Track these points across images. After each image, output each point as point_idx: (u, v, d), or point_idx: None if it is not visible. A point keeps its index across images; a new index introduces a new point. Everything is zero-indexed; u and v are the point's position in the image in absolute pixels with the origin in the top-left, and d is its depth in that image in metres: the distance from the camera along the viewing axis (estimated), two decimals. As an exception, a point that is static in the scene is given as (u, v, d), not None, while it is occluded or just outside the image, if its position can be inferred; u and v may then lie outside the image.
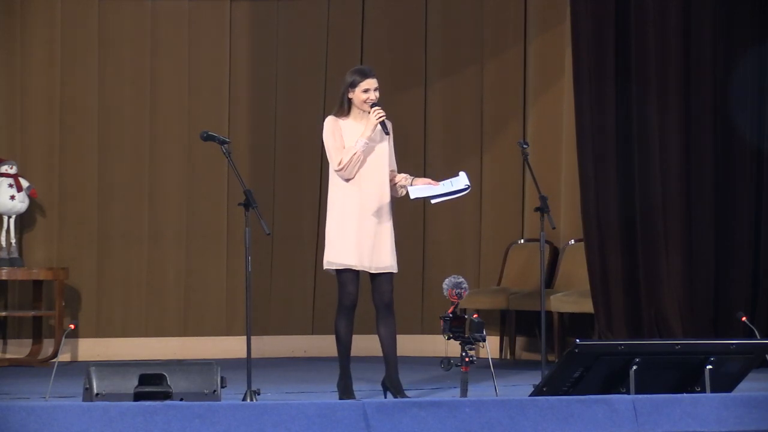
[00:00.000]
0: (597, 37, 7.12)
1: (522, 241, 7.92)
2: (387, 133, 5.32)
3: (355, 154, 5.15)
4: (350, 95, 5.25)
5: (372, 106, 5.25)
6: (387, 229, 5.44)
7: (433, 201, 5.66)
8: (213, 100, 7.86)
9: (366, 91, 5.23)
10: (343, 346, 5.51)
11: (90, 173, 7.68)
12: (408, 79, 8.30)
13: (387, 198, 5.38)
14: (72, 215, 7.66)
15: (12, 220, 7.30)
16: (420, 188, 5.65)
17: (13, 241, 7.33)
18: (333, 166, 5.26)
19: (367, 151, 5.27)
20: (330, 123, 5.25)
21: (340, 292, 5.39)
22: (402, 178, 5.45)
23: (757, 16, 7.48)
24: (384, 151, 5.34)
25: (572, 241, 7.70)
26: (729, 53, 7.52)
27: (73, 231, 7.70)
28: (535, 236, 7.32)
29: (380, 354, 5.73)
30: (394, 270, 5.49)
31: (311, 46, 7.86)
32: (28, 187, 7.26)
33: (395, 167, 5.45)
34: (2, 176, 7.18)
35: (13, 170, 7.22)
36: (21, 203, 7.22)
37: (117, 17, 7.87)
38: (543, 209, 5.74)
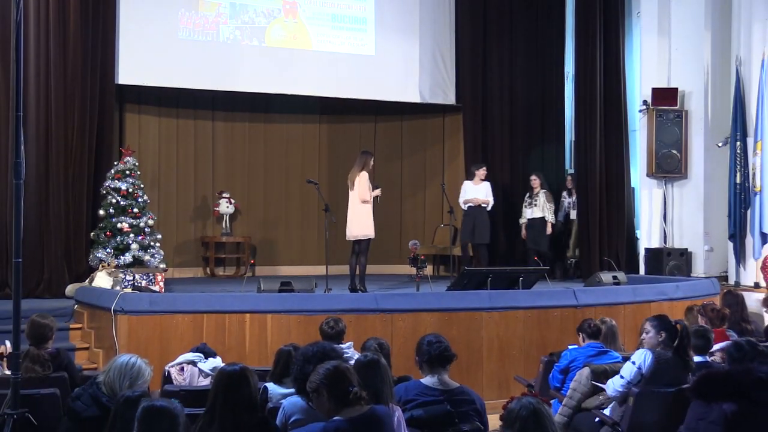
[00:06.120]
0: (473, 137, 10.53)
1: (442, 225, 10.60)
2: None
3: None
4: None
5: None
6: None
7: None
8: (310, 163, 10.87)
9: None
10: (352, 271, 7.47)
11: (258, 196, 10.73)
12: (392, 157, 11.10)
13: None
14: (254, 215, 10.73)
15: (227, 216, 10.27)
16: None
17: (228, 225, 10.25)
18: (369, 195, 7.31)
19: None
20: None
21: (367, 251, 7.32)
22: None
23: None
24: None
25: (462, 226, 9.96)
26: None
27: (254, 221, 10.78)
28: (446, 223, 9.92)
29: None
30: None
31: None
32: (234, 202, 10.30)
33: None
34: (224, 198, 10.25)
35: (227, 195, 10.28)
36: (231, 209, 10.32)
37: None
38: (451, 212, 8.17)
